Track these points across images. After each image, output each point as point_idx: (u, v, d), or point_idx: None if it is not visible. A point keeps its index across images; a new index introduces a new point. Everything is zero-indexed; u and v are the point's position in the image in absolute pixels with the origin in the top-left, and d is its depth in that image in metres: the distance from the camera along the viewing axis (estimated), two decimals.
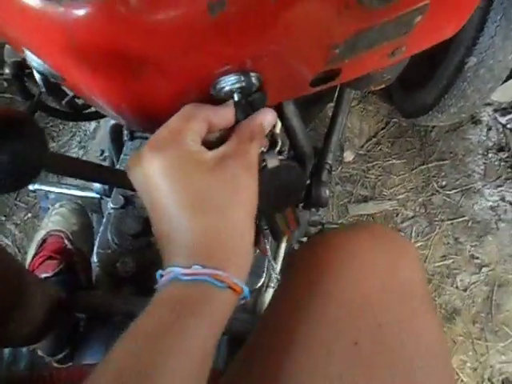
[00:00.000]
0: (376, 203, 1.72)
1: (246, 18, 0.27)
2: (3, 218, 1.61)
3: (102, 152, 0.91)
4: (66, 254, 0.87)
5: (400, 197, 1.70)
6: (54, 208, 1.00)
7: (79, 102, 0.57)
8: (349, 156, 1.79)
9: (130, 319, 0.64)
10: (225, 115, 0.36)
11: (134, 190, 0.34)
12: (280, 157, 0.43)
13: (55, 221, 0.97)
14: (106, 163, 0.91)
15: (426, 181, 1.72)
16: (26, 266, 0.90)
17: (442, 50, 1.36)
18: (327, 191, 0.81)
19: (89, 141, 1.70)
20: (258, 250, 0.68)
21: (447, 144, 1.80)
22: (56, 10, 0.24)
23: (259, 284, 0.66)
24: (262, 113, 0.37)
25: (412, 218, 1.67)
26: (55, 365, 0.79)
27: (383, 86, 0.80)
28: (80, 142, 1.71)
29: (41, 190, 1.00)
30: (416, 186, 1.71)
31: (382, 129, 1.84)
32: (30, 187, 1.01)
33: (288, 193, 0.44)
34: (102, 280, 0.69)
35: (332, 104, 1.07)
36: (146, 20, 0.24)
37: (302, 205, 0.80)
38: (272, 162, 0.40)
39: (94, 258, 0.68)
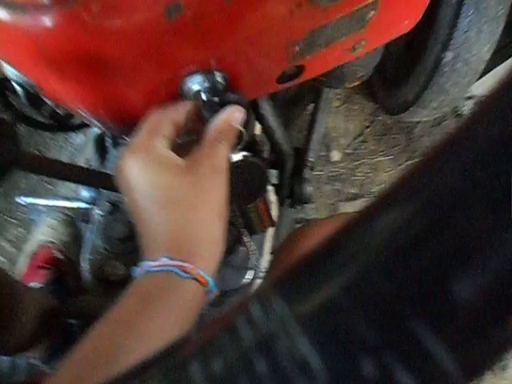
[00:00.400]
0: (365, 201, 1.74)
1: (201, 21, 0.30)
2: None
3: (87, 161, 0.92)
4: (55, 264, 0.89)
5: None
6: (43, 220, 1.01)
7: (60, 112, 0.59)
8: (336, 155, 1.81)
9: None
10: (187, 112, 0.39)
11: (100, 187, 0.36)
12: (244, 153, 0.45)
13: (45, 232, 0.98)
14: None
15: None
16: (17, 277, 0.92)
17: (419, 46, 1.39)
18: (310, 188, 0.83)
19: (78, 154, 1.72)
20: (242, 248, 0.70)
21: (432, 138, 1.83)
22: (23, 20, 0.26)
23: (243, 280, 0.68)
24: (228, 111, 0.39)
25: None
26: (49, 371, 0.81)
27: (358, 82, 0.83)
28: (69, 156, 1.72)
29: (32, 203, 1.01)
30: None
31: (367, 127, 1.87)
32: (22, 202, 1.03)
33: (251, 188, 0.46)
34: (92, 285, 0.70)
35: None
36: (108, 25, 0.27)
37: (287, 202, 0.82)
38: (235, 157, 0.43)
39: (85, 265, 0.70)
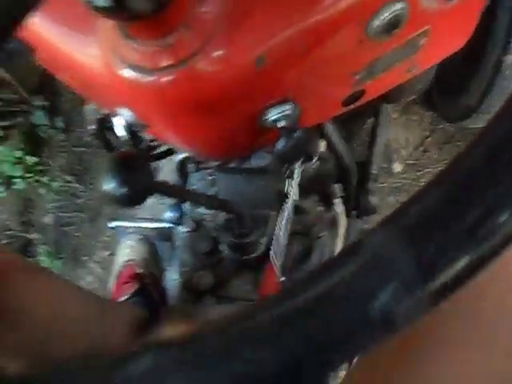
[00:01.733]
0: None
1: (282, 66, 0.37)
2: (85, 258, 1.79)
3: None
4: (138, 278, 0.98)
5: None
6: (124, 242, 1.14)
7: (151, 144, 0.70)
8: (398, 167, 1.82)
9: None
10: None
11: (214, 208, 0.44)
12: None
13: (126, 253, 1.10)
14: None
15: None
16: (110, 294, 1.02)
17: (478, 53, 1.40)
18: (374, 199, 0.87)
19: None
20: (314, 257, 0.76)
21: None
22: (150, 79, 0.35)
23: None
24: None
25: None
26: None
27: (415, 96, 0.87)
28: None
29: (120, 226, 1.14)
30: None
31: (428, 137, 1.86)
32: (110, 225, 1.16)
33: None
34: (182, 295, 0.79)
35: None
36: (215, 76, 0.35)
37: (353, 214, 0.87)
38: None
39: (174, 276, 0.79)
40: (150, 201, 1.73)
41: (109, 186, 0.37)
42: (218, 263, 0.78)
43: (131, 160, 0.39)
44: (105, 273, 1.77)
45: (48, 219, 1.86)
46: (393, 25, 0.39)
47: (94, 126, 0.84)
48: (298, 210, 0.81)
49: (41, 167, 1.83)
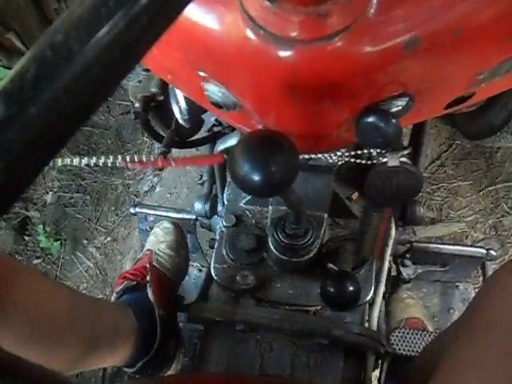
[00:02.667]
0: (444, 225, 1.70)
1: (431, 52, 0.33)
2: (85, 242, 1.72)
3: (201, 176, 0.97)
4: (138, 275, 0.91)
5: (468, 219, 1.68)
6: (152, 229, 1.07)
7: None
8: None
9: (250, 329, 0.69)
10: None
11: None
12: (403, 159, 0.47)
13: (150, 241, 1.03)
14: (205, 187, 0.98)
15: (495, 202, 1.69)
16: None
17: None
18: (422, 209, 0.84)
19: (157, 170, 1.81)
20: (363, 270, 0.71)
21: None
22: (286, 51, 0.30)
23: (367, 298, 0.70)
24: None
25: (482, 240, 1.65)
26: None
27: (474, 107, 0.84)
28: (154, 171, 1.82)
29: (141, 212, 1.08)
30: (485, 208, 1.69)
31: (445, 151, 1.84)
32: (132, 210, 1.10)
33: (400, 193, 0.49)
34: (216, 293, 0.74)
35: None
36: (360, 56, 0.30)
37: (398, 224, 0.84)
38: (392, 162, 0.45)
39: (212, 272, 0.74)
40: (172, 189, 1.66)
41: (247, 172, 0.32)
42: (260, 263, 0.73)
43: (278, 141, 0.33)
44: (104, 259, 1.70)
45: (49, 198, 1.78)
46: None
47: (138, 105, 0.78)
48: (347, 214, 0.77)
49: None
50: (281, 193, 0.36)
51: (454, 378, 0.42)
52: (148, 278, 0.89)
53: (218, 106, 0.46)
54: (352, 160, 0.57)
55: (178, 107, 0.62)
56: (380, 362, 0.79)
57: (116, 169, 1.85)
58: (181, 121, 0.63)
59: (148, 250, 0.99)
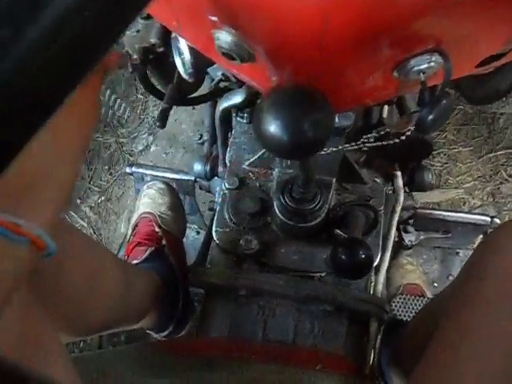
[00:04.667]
0: (442, 191, 1.69)
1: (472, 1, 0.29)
2: (78, 201, 1.68)
3: (201, 136, 0.93)
4: (153, 239, 0.90)
5: (467, 185, 1.67)
6: (142, 190, 1.03)
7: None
8: None
9: (253, 294, 0.68)
10: None
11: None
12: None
13: (144, 203, 1.00)
14: (204, 147, 0.94)
15: (494, 169, 1.68)
16: (124, 250, 0.95)
17: None
18: (430, 175, 0.81)
19: (157, 128, 1.75)
20: (371, 237, 0.69)
21: None
22: None
23: (374, 264, 0.68)
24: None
25: (480, 206, 1.64)
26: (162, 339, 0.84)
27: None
28: (149, 129, 1.76)
29: (137, 172, 1.04)
30: (483, 175, 1.67)
31: None
32: (127, 170, 1.06)
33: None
34: (217, 257, 0.72)
35: None
36: (396, 2, 0.26)
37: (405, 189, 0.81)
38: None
39: (214, 236, 0.71)
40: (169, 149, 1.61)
41: (275, 130, 0.28)
42: (264, 227, 0.71)
43: (311, 96, 0.29)
44: (98, 219, 1.67)
45: None
46: None
47: (135, 56, 0.73)
48: (355, 178, 0.74)
49: None
50: (312, 155, 0.33)
51: (454, 339, 0.42)
52: (164, 242, 0.89)
53: (229, 57, 0.41)
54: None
55: (181, 59, 0.57)
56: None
57: (110, 126, 1.78)
58: (184, 75, 0.58)
59: (147, 212, 0.96)
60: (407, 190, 0.83)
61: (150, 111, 1.79)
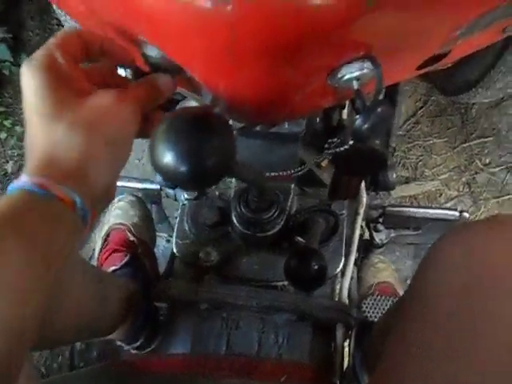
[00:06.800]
0: (418, 184, 1.69)
1: (398, 5, 0.27)
2: None
3: None
4: (129, 246, 0.89)
5: (443, 176, 1.67)
6: (113, 203, 1.01)
7: None
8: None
9: (215, 307, 0.66)
10: (101, 42, 0.38)
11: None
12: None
13: (115, 215, 0.98)
14: None
15: (469, 159, 1.68)
16: (95, 263, 0.93)
17: None
18: (394, 174, 0.80)
19: None
20: (333, 241, 0.68)
21: (489, 121, 1.75)
22: (220, 5, 0.24)
23: (337, 270, 0.67)
24: (161, 76, 0.39)
25: (456, 197, 1.64)
26: (133, 351, 0.82)
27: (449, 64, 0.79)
28: None
29: None
30: (459, 165, 1.67)
31: (421, 108, 1.80)
32: None
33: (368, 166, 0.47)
34: (179, 269, 0.70)
35: None
36: (314, 8, 0.24)
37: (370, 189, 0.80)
38: None
39: (174, 248, 0.69)
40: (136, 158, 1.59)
41: (171, 160, 0.26)
42: (224, 238, 0.69)
43: (210, 121, 0.27)
44: None
45: (9, 167, 1.68)
46: None
47: None
48: (316, 182, 0.73)
49: (2, 108, 1.64)
50: (215, 184, 0.31)
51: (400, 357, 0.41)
52: (140, 250, 0.87)
53: (159, 70, 0.39)
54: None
55: (124, 70, 0.55)
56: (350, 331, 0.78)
57: None
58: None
59: (119, 223, 0.95)
60: (371, 191, 0.82)
61: None
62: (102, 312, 0.70)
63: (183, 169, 0.27)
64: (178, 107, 0.72)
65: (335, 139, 0.49)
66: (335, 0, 0.24)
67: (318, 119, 0.67)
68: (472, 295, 0.36)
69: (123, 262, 0.85)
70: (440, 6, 0.29)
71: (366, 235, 1.04)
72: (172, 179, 0.28)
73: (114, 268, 0.84)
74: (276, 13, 0.24)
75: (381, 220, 0.95)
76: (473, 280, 0.37)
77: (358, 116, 0.35)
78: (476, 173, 1.65)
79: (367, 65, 0.36)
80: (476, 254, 0.38)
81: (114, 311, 0.74)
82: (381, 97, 0.62)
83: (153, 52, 0.37)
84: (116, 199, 1.00)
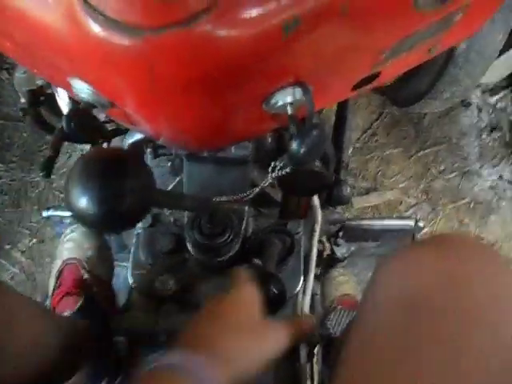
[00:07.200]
0: (378, 194, 1.73)
1: (316, 33, 0.28)
2: (8, 247, 1.58)
3: None
4: (84, 287, 0.84)
5: (401, 185, 1.72)
6: (65, 234, 0.97)
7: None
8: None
9: (174, 338, 0.64)
10: None
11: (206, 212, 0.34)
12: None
13: (68, 248, 0.94)
14: None
15: (425, 167, 1.74)
16: (49, 301, 0.88)
17: None
18: (348, 189, 0.81)
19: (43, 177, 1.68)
20: (291, 261, 0.68)
21: (441, 129, 1.82)
22: (135, 40, 0.24)
23: (297, 289, 0.67)
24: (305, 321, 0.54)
25: (415, 205, 1.69)
26: None
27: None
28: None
29: (55, 216, 0.98)
30: (415, 173, 1.73)
31: (376, 120, 1.85)
32: (44, 214, 1.00)
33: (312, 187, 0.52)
34: (137, 301, 0.68)
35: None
36: (229, 42, 0.24)
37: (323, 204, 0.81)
38: None
39: (129, 280, 0.67)
40: None
41: (84, 203, 0.25)
42: (181, 265, 0.68)
43: (122, 161, 0.27)
44: (31, 263, 1.57)
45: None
46: None
47: (24, 100, 0.69)
48: (270, 202, 0.73)
49: None
50: (134, 224, 0.30)
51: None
52: (95, 289, 0.83)
53: (90, 105, 0.39)
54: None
55: (63, 102, 0.54)
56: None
57: (35, 164, 1.70)
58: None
59: (72, 258, 0.90)
60: (327, 206, 0.83)
61: (77, 145, 1.72)
62: (58, 356, 0.66)
63: (97, 212, 0.26)
64: (123, 139, 0.71)
65: (277, 163, 0.49)
66: (251, 34, 0.25)
67: (269, 139, 0.67)
68: (407, 317, 0.36)
69: (76, 307, 0.80)
70: (358, 34, 0.30)
71: (328, 250, 1.05)
72: (88, 223, 0.27)
73: (68, 312, 0.80)
74: (192, 47, 0.24)
75: (340, 234, 0.96)
76: (406, 302, 0.38)
77: (292, 141, 0.36)
78: (431, 180, 1.70)
79: (298, 90, 0.36)
80: (410, 276, 0.39)
81: (71, 355, 0.70)
82: (318, 119, 0.64)
83: (81, 86, 0.37)
84: (68, 229, 0.96)
